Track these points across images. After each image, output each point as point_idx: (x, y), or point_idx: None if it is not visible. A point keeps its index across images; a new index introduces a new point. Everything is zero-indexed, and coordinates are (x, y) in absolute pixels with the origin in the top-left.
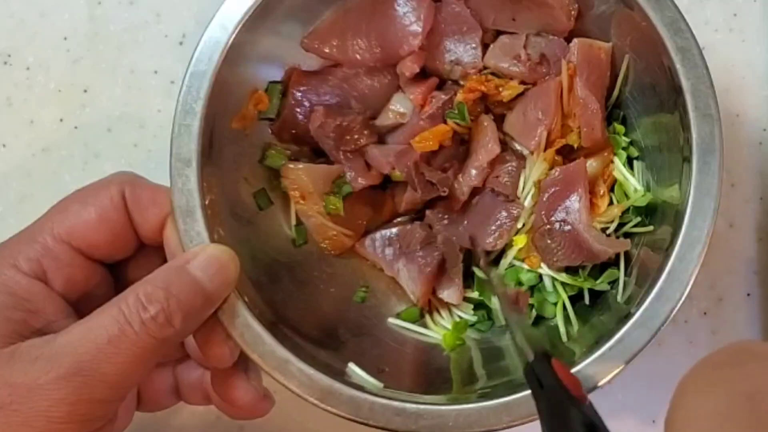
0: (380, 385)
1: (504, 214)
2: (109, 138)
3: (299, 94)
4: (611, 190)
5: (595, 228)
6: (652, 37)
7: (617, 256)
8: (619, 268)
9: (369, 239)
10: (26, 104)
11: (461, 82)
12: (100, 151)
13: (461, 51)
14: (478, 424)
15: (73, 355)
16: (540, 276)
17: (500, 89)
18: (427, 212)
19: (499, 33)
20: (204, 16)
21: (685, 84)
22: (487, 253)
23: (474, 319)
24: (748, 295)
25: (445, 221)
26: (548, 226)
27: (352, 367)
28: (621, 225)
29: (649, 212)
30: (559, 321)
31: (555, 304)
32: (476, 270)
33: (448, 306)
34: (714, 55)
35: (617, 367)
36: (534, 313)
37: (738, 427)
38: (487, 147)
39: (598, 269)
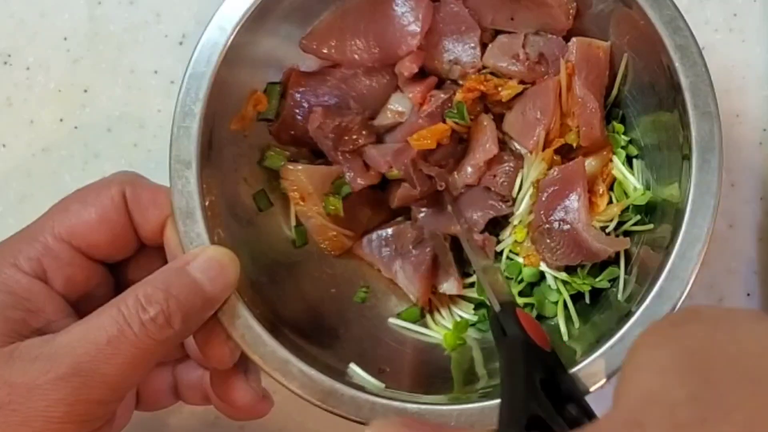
0: (381, 385)
1: (491, 203)
2: (109, 138)
3: (298, 95)
4: (610, 188)
5: (595, 227)
6: (651, 35)
7: (617, 254)
8: (619, 267)
9: (366, 240)
10: (26, 104)
11: (460, 82)
12: (100, 151)
13: (460, 50)
14: (479, 424)
15: (72, 356)
16: (541, 274)
17: (499, 89)
18: (412, 207)
19: (497, 32)
20: (204, 16)
21: (684, 82)
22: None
23: (475, 318)
24: (748, 295)
25: (427, 212)
26: (547, 226)
27: (353, 368)
28: (621, 223)
29: (649, 210)
30: (560, 320)
31: (556, 303)
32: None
33: (448, 305)
34: (714, 55)
35: (618, 365)
36: (535, 311)
37: (678, 377)
38: (485, 146)
39: (599, 268)
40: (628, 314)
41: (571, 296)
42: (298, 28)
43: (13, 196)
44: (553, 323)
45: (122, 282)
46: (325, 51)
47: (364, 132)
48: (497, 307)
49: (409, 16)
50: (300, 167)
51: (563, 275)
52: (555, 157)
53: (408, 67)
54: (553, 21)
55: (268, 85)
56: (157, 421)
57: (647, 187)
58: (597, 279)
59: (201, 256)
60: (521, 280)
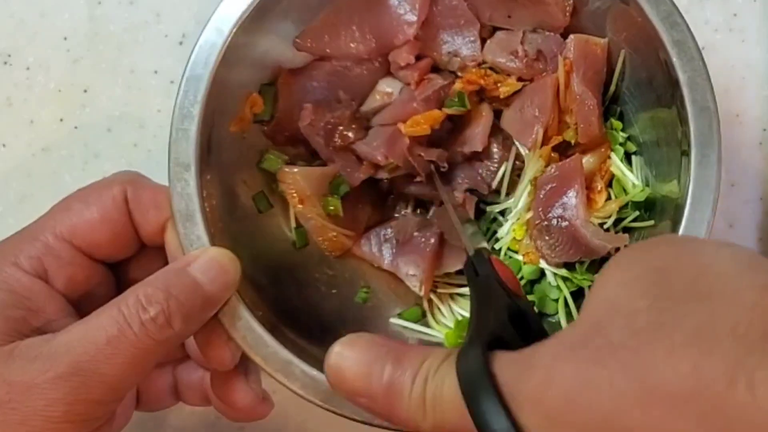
0: None
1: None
2: (109, 138)
3: (288, 94)
4: (609, 185)
5: (593, 223)
6: (648, 31)
7: (617, 250)
8: None
9: (364, 239)
10: (26, 104)
11: (459, 74)
12: (100, 151)
13: (459, 43)
14: None
15: (71, 355)
16: (541, 271)
17: (498, 85)
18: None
19: (495, 29)
20: (204, 17)
21: (682, 77)
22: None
23: None
24: None
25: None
26: (546, 223)
27: None
28: (621, 220)
29: (649, 207)
30: (561, 317)
31: (556, 300)
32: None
33: (449, 304)
34: (714, 55)
35: None
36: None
37: (640, 290)
38: (474, 140)
39: (599, 264)
40: None
41: (572, 293)
42: (297, 28)
43: (13, 196)
44: (554, 320)
45: (123, 282)
46: (319, 47)
47: (353, 126)
48: (471, 251)
49: (406, 5)
50: (296, 170)
51: (563, 272)
52: (553, 155)
53: (405, 57)
54: (550, 18)
55: (262, 87)
56: (157, 422)
57: (646, 184)
58: (597, 275)
59: (202, 257)
60: (521, 278)
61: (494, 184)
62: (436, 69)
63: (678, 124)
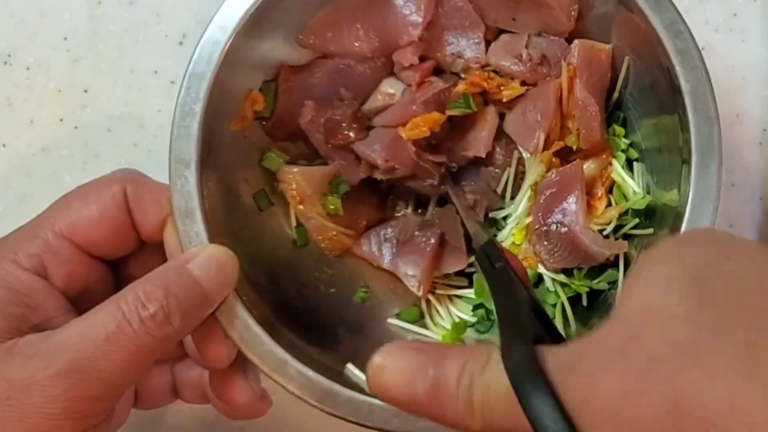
0: None
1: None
2: (109, 138)
3: (289, 90)
4: (610, 191)
5: (592, 230)
6: (651, 38)
7: (617, 257)
8: (618, 270)
9: (364, 238)
10: (26, 104)
11: (462, 75)
12: (100, 151)
13: (464, 44)
14: None
15: (70, 352)
16: (539, 276)
17: (501, 88)
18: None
19: (501, 32)
20: (204, 17)
21: (685, 85)
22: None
23: (473, 319)
24: None
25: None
26: (545, 228)
27: (351, 368)
28: (620, 227)
29: (649, 214)
30: (558, 323)
31: (554, 305)
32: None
33: (447, 306)
34: (714, 55)
35: None
36: None
37: (677, 294)
38: (478, 144)
39: (597, 271)
40: None
41: (570, 299)
42: (299, 27)
43: (13, 196)
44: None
45: (122, 279)
46: (322, 44)
47: (354, 126)
48: (484, 239)
49: (411, 6)
50: (296, 169)
51: (561, 277)
52: (554, 160)
53: (409, 58)
54: (555, 22)
55: (264, 84)
56: (157, 421)
57: (647, 191)
58: (595, 281)
59: (201, 255)
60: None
61: (499, 190)
62: (439, 71)
63: (679, 131)
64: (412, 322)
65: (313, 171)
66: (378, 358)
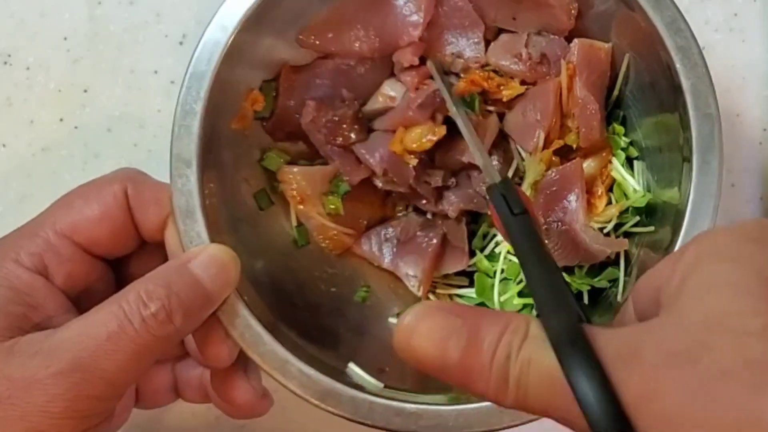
0: (380, 385)
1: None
2: (109, 138)
3: (290, 90)
4: (610, 190)
5: (593, 228)
6: (652, 36)
7: (617, 255)
8: (619, 268)
9: (364, 238)
10: (26, 104)
11: (462, 75)
12: (100, 151)
13: (463, 44)
14: (478, 425)
15: (72, 351)
16: None
17: (501, 88)
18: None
19: (500, 31)
20: (204, 16)
21: (685, 83)
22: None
23: None
24: None
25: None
26: (545, 226)
27: (352, 367)
28: (621, 225)
29: (650, 212)
30: None
31: None
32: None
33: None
34: (714, 55)
35: None
36: None
37: (752, 303)
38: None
39: (598, 269)
40: None
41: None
42: (299, 26)
43: (13, 196)
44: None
45: (123, 278)
46: (323, 44)
47: (355, 127)
48: (497, 178)
49: (411, 6)
50: (296, 169)
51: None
52: (554, 158)
53: (409, 59)
54: (555, 21)
55: (264, 83)
56: (158, 422)
57: (647, 189)
58: (596, 279)
59: (202, 254)
60: (520, 281)
61: None
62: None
63: (680, 129)
64: None
65: (313, 171)
66: (408, 318)
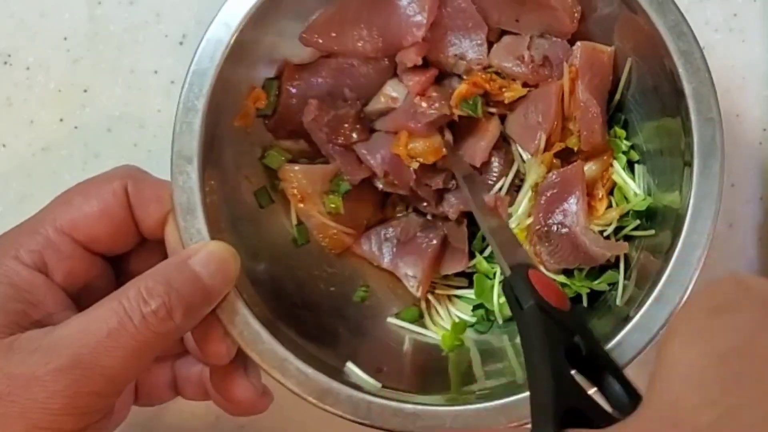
0: (378, 384)
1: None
2: (109, 138)
3: (292, 88)
4: (611, 193)
5: (593, 231)
6: (655, 40)
7: (617, 258)
8: (618, 271)
9: (364, 238)
10: (26, 104)
11: (464, 77)
12: (100, 151)
13: (466, 46)
14: (475, 426)
15: (72, 348)
16: None
17: (503, 90)
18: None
19: (503, 32)
20: (204, 16)
21: (687, 88)
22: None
23: (473, 320)
24: None
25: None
26: (546, 229)
27: (351, 367)
28: (621, 228)
29: (650, 216)
30: None
31: None
32: (477, 256)
33: (447, 306)
34: (714, 55)
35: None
36: None
37: (707, 393)
38: (474, 153)
39: (598, 272)
40: (627, 318)
41: (570, 300)
42: (303, 24)
43: (13, 196)
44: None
45: (123, 275)
46: (326, 43)
47: (357, 126)
48: (507, 272)
49: (415, 6)
50: (297, 167)
51: (562, 278)
52: (555, 161)
53: (412, 59)
54: (558, 24)
55: (266, 81)
56: (157, 421)
57: (648, 193)
58: (595, 282)
59: (202, 251)
60: None
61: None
62: (440, 75)
63: (682, 134)
64: (412, 322)
65: (314, 169)
66: None
